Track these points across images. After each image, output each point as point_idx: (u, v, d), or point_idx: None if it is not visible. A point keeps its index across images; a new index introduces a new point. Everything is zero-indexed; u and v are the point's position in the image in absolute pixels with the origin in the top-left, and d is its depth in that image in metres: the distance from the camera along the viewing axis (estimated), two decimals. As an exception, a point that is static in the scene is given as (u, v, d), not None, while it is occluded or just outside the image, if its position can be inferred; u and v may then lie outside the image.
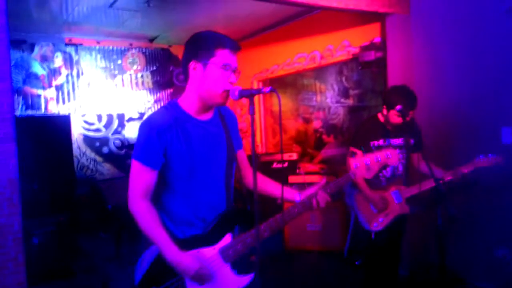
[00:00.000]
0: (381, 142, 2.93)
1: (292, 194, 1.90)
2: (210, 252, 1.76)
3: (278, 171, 5.10)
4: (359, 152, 2.90)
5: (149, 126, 1.72)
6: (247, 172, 2.07)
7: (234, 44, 1.74)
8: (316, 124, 5.48)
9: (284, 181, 4.93)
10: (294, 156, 5.20)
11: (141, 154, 1.72)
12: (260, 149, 6.22)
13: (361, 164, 1.81)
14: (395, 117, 2.83)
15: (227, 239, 1.78)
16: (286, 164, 5.15)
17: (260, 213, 1.59)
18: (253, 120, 1.60)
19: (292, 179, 4.90)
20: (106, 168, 5.62)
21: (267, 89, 1.59)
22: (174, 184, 1.78)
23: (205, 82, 1.72)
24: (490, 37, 3.28)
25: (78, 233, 4.58)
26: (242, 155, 2.04)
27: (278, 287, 3.82)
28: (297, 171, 5.02)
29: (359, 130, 3.07)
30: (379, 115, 2.99)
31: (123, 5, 4.45)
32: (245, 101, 6.36)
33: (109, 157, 5.66)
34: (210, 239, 1.78)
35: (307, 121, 5.63)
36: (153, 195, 1.77)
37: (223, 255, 1.76)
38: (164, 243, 1.68)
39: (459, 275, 3.52)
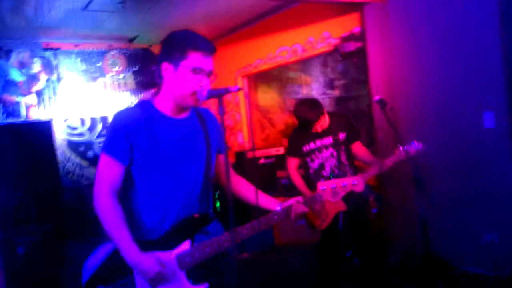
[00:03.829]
0: (311, 145, 3.23)
1: (272, 204, 1.92)
2: (167, 256, 1.72)
3: (266, 166, 5.08)
4: (294, 160, 3.29)
5: (117, 120, 1.73)
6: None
7: (208, 46, 1.71)
8: (304, 116, 5.45)
9: (271, 177, 4.92)
10: (281, 151, 5.18)
11: (109, 147, 1.71)
12: (246, 146, 6.19)
13: (328, 187, 1.90)
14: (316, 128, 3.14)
15: (185, 245, 1.75)
16: (273, 159, 5.13)
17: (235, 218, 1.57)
18: (222, 121, 1.60)
19: (280, 173, 4.88)
20: (92, 172, 5.52)
21: (235, 88, 1.60)
22: (141, 183, 1.76)
23: (175, 84, 1.73)
24: (469, 21, 3.26)
25: (66, 241, 4.52)
26: (221, 159, 2.01)
27: (268, 282, 3.81)
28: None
29: (291, 140, 3.37)
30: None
31: (97, 7, 4.38)
32: (230, 97, 6.32)
33: (94, 161, 5.57)
34: (167, 244, 1.74)
35: (294, 114, 5.60)
36: (120, 194, 1.74)
37: (179, 261, 1.72)
38: (125, 243, 1.64)
39: (447, 261, 3.53)
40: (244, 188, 1.99)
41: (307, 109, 3.13)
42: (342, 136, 3.22)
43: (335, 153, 3.20)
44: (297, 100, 3.38)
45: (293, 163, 3.31)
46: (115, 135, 1.71)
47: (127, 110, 1.80)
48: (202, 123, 1.88)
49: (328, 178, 3.22)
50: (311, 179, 3.29)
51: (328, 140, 3.21)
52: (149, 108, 1.79)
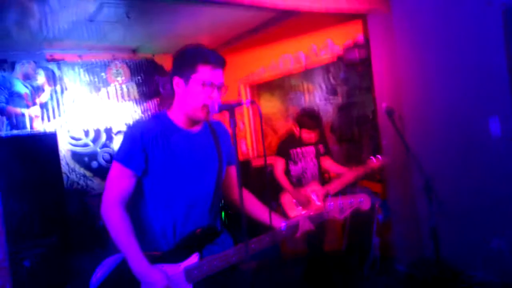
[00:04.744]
0: (298, 150, 3.66)
1: (278, 222, 1.91)
2: (175, 269, 1.71)
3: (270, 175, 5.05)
4: (281, 160, 3.62)
5: (134, 131, 1.74)
6: (236, 189, 2.02)
7: (218, 60, 1.72)
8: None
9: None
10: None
11: (123, 156, 1.71)
12: (250, 154, 6.19)
13: (335, 204, 1.91)
14: (306, 134, 3.58)
15: (193, 258, 1.74)
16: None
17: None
18: (235, 134, 1.60)
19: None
20: (97, 183, 5.52)
21: (247, 102, 1.60)
22: (152, 195, 1.76)
23: (186, 97, 1.74)
24: (472, 29, 3.27)
25: (72, 253, 4.50)
26: (233, 172, 2.00)
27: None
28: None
29: (281, 143, 3.77)
30: (295, 131, 3.67)
31: (103, 18, 4.39)
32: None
33: (98, 171, 5.57)
34: (176, 257, 1.73)
35: (297, 121, 5.59)
36: (129, 206, 1.73)
37: (187, 274, 1.71)
38: (134, 254, 1.63)
39: (457, 267, 3.51)
40: (249, 203, 1.98)
41: (307, 118, 3.59)
42: (321, 147, 3.75)
43: (315, 162, 3.70)
44: (301, 109, 3.87)
45: (280, 163, 3.63)
46: (131, 145, 1.71)
47: (144, 121, 1.82)
48: (214, 136, 1.89)
49: (307, 180, 3.66)
50: (293, 183, 3.66)
51: (311, 149, 3.69)
52: (165, 120, 1.80)
